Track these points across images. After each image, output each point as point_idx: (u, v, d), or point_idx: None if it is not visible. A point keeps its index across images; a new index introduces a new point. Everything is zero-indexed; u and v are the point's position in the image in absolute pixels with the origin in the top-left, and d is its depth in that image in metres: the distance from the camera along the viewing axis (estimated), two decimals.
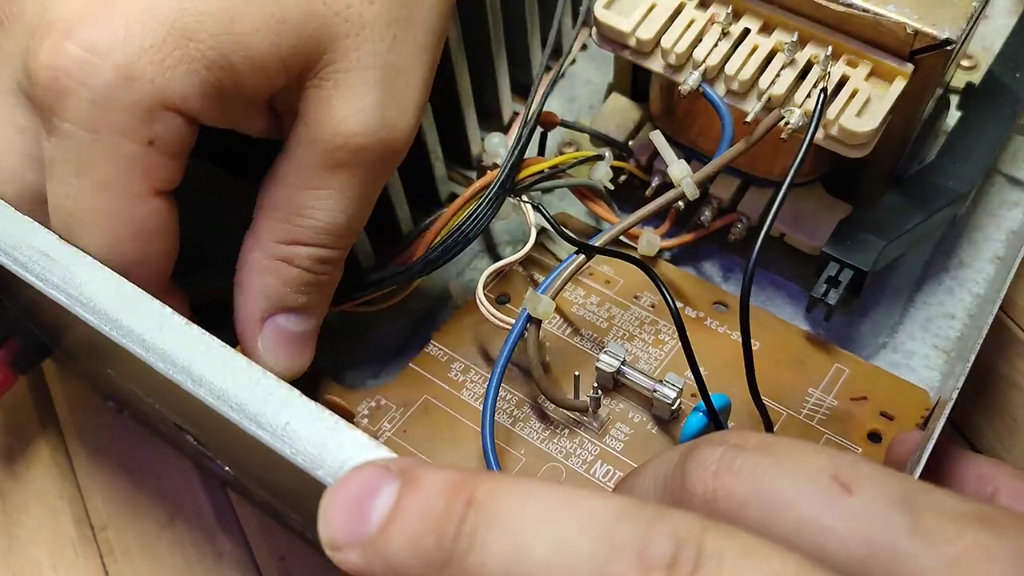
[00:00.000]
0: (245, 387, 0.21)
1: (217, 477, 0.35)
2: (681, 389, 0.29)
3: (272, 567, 0.33)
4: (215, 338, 0.22)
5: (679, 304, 0.32)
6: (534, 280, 0.34)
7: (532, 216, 0.32)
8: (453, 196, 0.35)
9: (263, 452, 0.21)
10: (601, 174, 0.34)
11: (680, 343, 0.29)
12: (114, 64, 0.22)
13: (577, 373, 0.30)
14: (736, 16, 0.31)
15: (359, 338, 0.35)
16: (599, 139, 0.37)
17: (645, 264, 0.30)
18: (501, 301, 0.34)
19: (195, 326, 0.22)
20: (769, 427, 0.28)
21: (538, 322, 0.30)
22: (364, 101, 0.25)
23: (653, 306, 0.33)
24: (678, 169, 0.31)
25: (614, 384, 0.30)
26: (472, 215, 0.30)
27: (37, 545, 0.35)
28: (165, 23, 0.23)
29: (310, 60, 0.24)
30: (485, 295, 0.30)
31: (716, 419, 0.27)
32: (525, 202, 0.32)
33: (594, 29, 0.33)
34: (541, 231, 0.33)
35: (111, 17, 0.23)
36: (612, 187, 0.35)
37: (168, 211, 0.25)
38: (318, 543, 0.18)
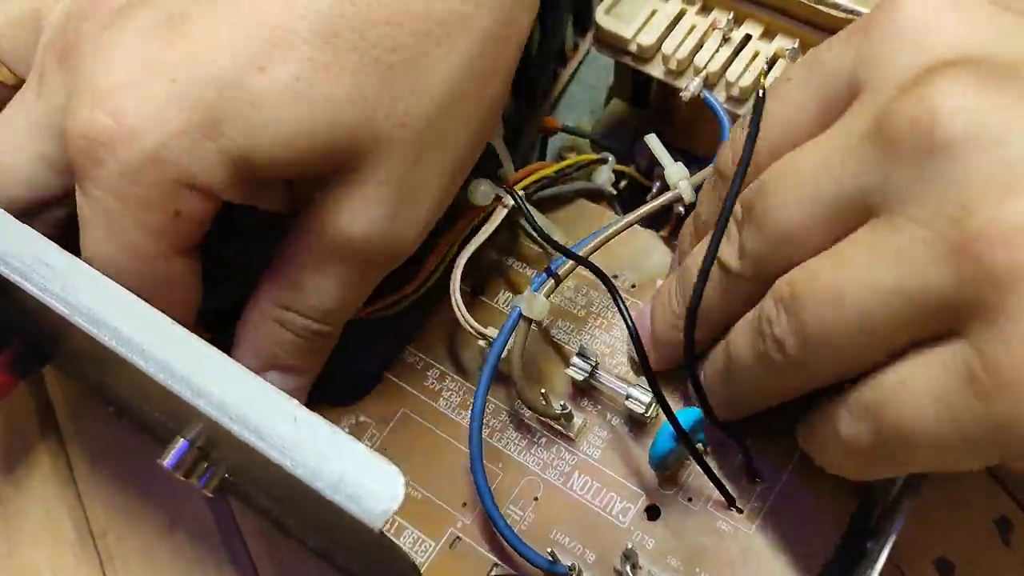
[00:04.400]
0: (246, 399, 0.21)
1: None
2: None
3: (273, 575, 0.33)
4: (215, 349, 0.22)
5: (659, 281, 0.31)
6: (504, 264, 0.33)
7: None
8: None
9: (263, 462, 0.21)
10: (604, 178, 0.34)
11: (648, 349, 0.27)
12: (144, 145, 0.23)
13: (544, 390, 0.29)
14: (737, 22, 0.31)
15: (341, 350, 0.35)
16: (599, 144, 0.37)
17: (605, 277, 0.28)
18: (475, 291, 0.32)
19: (195, 336, 0.22)
20: (709, 411, 0.27)
21: (529, 322, 0.29)
22: (375, 212, 0.25)
23: (634, 286, 0.32)
24: (675, 172, 0.30)
25: (587, 387, 0.30)
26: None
27: (37, 551, 0.35)
28: (203, 107, 0.23)
29: (336, 166, 0.25)
30: (462, 290, 0.30)
31: (686, 438, 0.26)
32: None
33: (594, 34, 0.33)
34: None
35: (151, 92, 0.23)
36: (616, 192, 0.34)
37: (191, 265, 0.25)
38: (318, 550, 0.18)
